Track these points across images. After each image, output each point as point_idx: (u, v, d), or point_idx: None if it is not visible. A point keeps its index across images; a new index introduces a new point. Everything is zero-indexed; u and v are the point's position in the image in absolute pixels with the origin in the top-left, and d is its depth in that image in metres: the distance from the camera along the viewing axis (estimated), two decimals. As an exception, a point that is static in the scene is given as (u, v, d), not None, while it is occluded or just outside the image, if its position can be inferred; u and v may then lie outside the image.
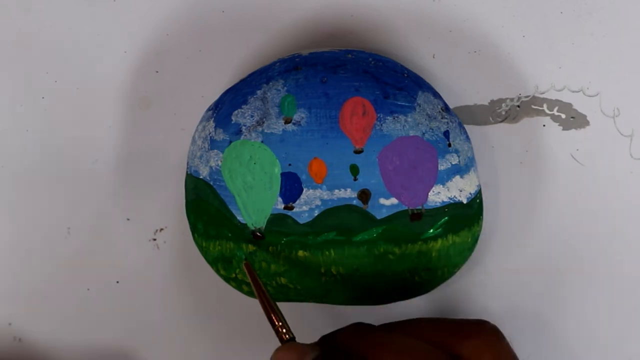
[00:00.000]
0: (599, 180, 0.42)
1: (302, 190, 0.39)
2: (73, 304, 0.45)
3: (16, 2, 0.44)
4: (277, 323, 0.37)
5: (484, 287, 0.43)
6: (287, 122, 0.39)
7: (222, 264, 0.41)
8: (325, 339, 0.37)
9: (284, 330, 0.37)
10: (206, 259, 0.41)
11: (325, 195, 0.39)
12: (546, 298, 0.43)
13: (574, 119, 0.42)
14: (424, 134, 0.39)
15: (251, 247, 0.40)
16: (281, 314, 0.37)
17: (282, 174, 0.39)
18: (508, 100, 0.43)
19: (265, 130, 0.39)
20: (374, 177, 0.39)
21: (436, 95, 0.40)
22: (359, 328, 0.37)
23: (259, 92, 0.40)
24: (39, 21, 0.44)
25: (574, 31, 0.42)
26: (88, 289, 0.45)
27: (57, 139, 0.44)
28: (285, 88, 0.39)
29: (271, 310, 0.37)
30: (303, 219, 0.40)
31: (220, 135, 0.40)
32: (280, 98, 0.39)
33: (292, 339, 0.37)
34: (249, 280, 0.39)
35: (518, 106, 0.43)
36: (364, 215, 0.39)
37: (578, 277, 0.43)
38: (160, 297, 0.44)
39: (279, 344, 0.44)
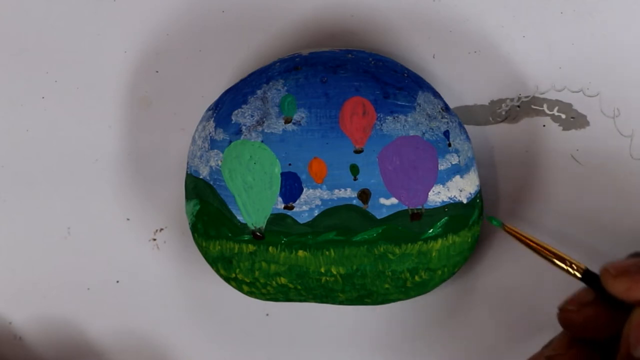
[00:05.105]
0: (599, 180, 0.42)
1: (302, 190, 0.39)
2: (73, 304, 0.45)
3: (16, 2, 0.44)
4: (565, 266, 0.37)
5: (484, 286, 0.43)
6: (287, 122, 0.39)
7: (222, 264, 0.41)
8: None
9: (574, 266, 0.37)
10: (206, 259, 0.41)
11: (325, 195, 0.39)
12: (546, 298, 0.43)
13: (574, 119, 0.43)
14: (424, 133, 0.39)
15: (251, 247, 0.40)
16: (562, 254, 0.38)
17: (282, 174, 0.39)
18: (508, 100, 0.43)
19: (265, 130, 0.39)
20: (374, 177, 0.39)
21: (436, 95, 0.40)
22: None
23: (259, 92, 0.40)
24: (39, 21, 0.44)
25: (574, 31, 0.42)
26: (88, 289, 0.45)
27: (57, 139, 0.44)
28: (285, 88, 0.40)
29: (554, 257, 0.38)
30: (303, 219, 0.40)
31: (220, 135, 0.40)
32: (280, 98, 0.39)
33: (586, 269, 0.37)
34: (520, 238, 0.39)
35: (518, 106, 0.43)
36: (364, 215, 0.39)
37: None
38: (160, 297, 0.44)
39: (279, 343, 0.44)
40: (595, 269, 0.41)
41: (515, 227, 0.39)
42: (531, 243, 0.38)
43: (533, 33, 0.42)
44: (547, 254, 0.38)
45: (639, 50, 0.42)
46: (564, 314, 0.37)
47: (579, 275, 0.37)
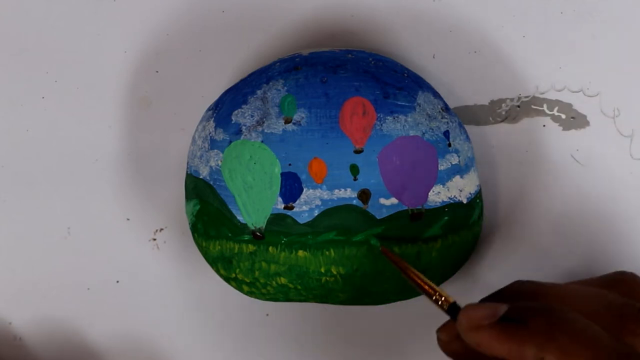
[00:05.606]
0: (599, 180, 0.42)
1: (302, 190, 0.39)
2: (73, 304, 0.45)
3: (16, 2, 0.44)
4: (433, 295, 0.35)
5: (484, 287, 0.43)
6: (287, 122, 0.39)
7: (222, 264, 0.41)
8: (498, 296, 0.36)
9: (443, 298, 0.35)
10: (206, 259, 0.41)
11: (325, 195, 0.39)
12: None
13: (574, 119, 0.42)
14: (424, 133, 0.39)
15: (251, 247, 0.40)
16: (431, 284, 0.35)
17: (282, 174, 0.39)
18: (508, 100, 0.43)
19: (265, 130, 0.39)
20: (374, 177, 0.39)
21: (436, 95, 0.40)
22: (523, 283, 0.36)
23: (259, 92, 0.40)
24: (39, 21, 0.44)
25: (574, 31, 0.42)
26: (88, 289, 0.45)
27: (57, 139, 0.44)
28: (285, 88, 0.39)
29: (424, 285, 0.36)
30: (303, 219, 0.40)
31: (221, 135, 0.40)
32: (280, 98, 0.39)
33: (454, 303, 0.35)
34: (394, 264, 0.37)
35: (518, 106, 0.43)
36: (364, 215, 0.39)
37: (578, 278, 0.43)
38: (160, 297, 0.44)
39: (279, 343, 0.44)
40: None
41: (391, 252, 0.38)
42: (405, 270, 0.37)
43: (533, 33, 0.42)
44: (418, 283, 0.36)
45: (639, 50, 0.42)
46: (438, 341, 0.35)
47: (445, 308, 0.35)
